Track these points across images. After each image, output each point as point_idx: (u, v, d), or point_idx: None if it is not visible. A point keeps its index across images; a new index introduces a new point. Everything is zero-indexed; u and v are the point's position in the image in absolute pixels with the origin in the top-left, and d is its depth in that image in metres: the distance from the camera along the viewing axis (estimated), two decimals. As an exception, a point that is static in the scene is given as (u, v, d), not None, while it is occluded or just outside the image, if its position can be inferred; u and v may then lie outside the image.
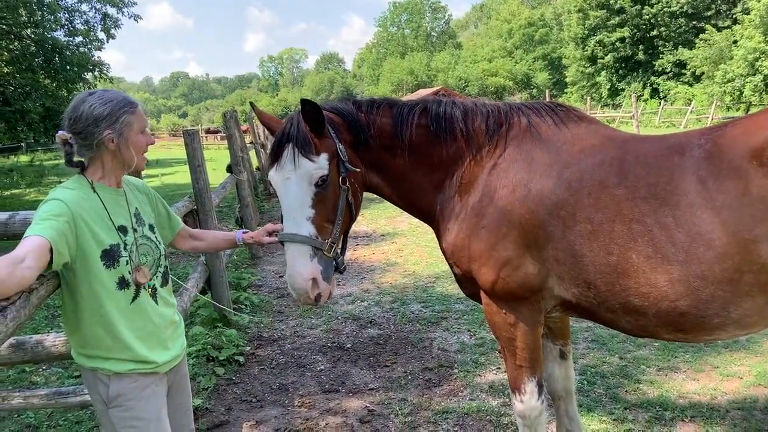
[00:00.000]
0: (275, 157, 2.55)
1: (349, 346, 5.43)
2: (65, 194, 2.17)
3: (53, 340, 3.38)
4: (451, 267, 2.91)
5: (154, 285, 2.38)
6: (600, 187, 2.43)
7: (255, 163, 15.85)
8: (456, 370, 4.74)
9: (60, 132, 2.23)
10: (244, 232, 2.84)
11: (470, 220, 2.68)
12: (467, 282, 2.84)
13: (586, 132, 2.66)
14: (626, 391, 4.23)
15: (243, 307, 6.50)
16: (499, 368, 4.70)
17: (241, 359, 5.18)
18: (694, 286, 2.28)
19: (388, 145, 2.77)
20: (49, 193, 2.20)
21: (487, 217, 2.62)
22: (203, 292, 5.77)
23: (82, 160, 2.26)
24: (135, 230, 2.34)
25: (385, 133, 2.76)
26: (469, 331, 5.54)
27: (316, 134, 2.56)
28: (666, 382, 4.35)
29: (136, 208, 2.41)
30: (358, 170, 2.70)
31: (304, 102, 2.49)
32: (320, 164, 2.53)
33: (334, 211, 2.60)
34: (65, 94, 17.66)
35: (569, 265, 2.50)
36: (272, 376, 4.91)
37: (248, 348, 5.46)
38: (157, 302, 2.38)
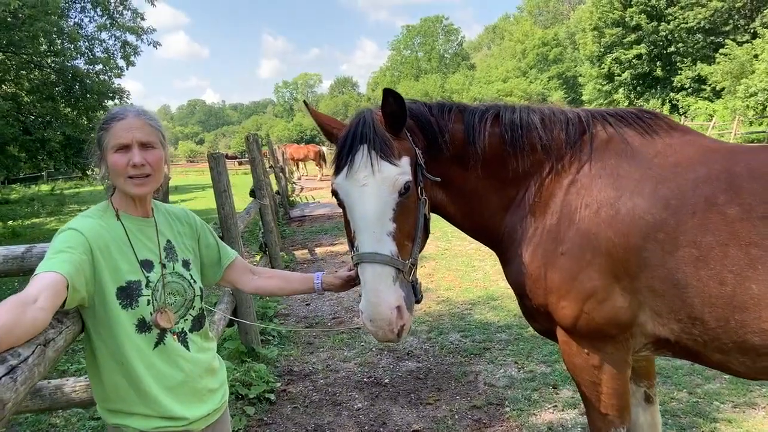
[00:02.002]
0: (345, 161, 2.16)
1: (386, 381, 5.05)
2: (83, 223, 1.90)
3: (73, 385, 3.07)
4: (521, 299, 2.55)
5: (182, 329, 2.05)
6: (706, 205, 2.08)
7: (275, 187, 15.65)
8: (507, 409, 4.33)
9: None
10: (322, 275, 2.42)
11: (547, 245, 2.33)
12: (541, 317, 2.47)
13: (680, 142, 2.31)
14: (702, 431, 3.80)
15: (270, 338, 6.17)
16: (555, 407, 4.28)
17: (272, 397, 4.81)
18: (828, 322, 1.91)
19: (459, 154, 2.42)
20: (67, 223, 1.92)
21: (567, 242, 2.28)
22: (230, 324, 5.44)
23: None
24: (163, 266, 2.03)
25: (457, 141, 2.41)
26: (516, 363, 5.13)
27: (393, 134, 2.21)
28: (745, 420, 3.91)
29: (168, 240, 2.10)
30: (439, 179, 2.35)
31: (388, 92, 2.11)
32: (404, 168, 2.16)
33: (415, 225, 2.23)
34: (86, 122, 17.60)
35: (669, 297, 2.14)
36: (306, 415, 4.54)
37: (279, 384, 5.10)
38: (188, 347, 2.05)
